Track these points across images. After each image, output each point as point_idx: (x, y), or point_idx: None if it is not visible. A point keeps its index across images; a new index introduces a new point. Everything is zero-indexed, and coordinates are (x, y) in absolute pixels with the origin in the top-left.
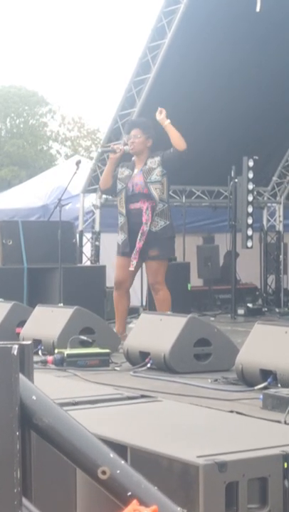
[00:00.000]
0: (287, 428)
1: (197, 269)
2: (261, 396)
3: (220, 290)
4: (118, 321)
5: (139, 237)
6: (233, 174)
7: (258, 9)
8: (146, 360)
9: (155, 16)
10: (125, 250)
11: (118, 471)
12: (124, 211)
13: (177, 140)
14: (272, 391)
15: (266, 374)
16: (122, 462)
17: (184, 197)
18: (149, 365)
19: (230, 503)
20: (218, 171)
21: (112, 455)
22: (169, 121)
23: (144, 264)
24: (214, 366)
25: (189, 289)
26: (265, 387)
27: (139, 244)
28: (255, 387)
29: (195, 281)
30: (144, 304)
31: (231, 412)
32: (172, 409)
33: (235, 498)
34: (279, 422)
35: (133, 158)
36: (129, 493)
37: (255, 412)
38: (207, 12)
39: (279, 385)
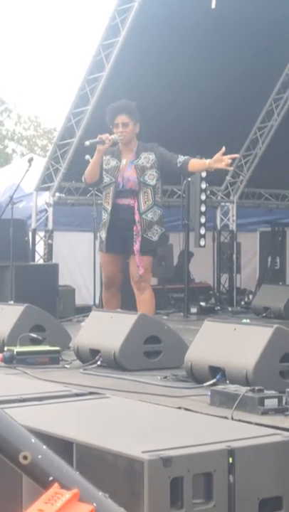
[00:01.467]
0: (233, 424)
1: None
2: (209, 392)
3: (174, 289)
4: None
5: (134, 238)
6: None
7: (213, 6)
8: (97, 358)
9: (109, 14)
10: (109, 247)
11: (40, 456)
12: (109, 207)
13: (198, 167)
14: (220, 387)
15: (215, 371)
16: (44, 447)
17: None
18: (99, 362)
19: (175, 498)
20: None
21: (33, 440)
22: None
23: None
24: (164, 363)
25: None
26: (214, 384)
27: (136, 246)
28: (204, 384)
29: None
30: (96, 302)
31: (179, 408)
32: (120, 405)
33: (180, 493)
34: (226, 417)
35: (118, 145)
36: (51, 478)
37: (203, 408)
38: (161, 10)
39: (227, 382)
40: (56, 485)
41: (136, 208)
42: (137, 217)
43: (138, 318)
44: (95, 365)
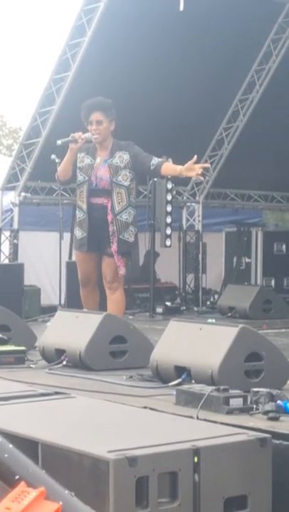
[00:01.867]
0: (199, 423)
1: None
2: (175, 392)
3: (140, 289)
4: None
5: (110, 239)
6: None
7: (181, 8)
8: (62, 358)
9: (75, 14)
10: (83, 247)
11: (6, 455)
12: (84, 206)
13: (171, 173)
14: (185, 387)
15: (180, 370)
16: (10, 446)
17: None
18: (64, 362)
19: (140, 498)
20: None
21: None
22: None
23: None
24: (130, 363)
25: None
26: (179, 384)
27: (113, 247)
28: (170, 384)
29: None
30: (62, 302)
31: (145, 408)
32: (85, 405)
33: (145, 493)
34: (191, 417)
35: (93, 142)
36: (17, 477)
37: (169, 407)
38: (128, 11)
39: (193, 381)
40: (23, 483)
41: (109, 208)
42: (110, 217)
43: (104, 318)
44: (60, 365)
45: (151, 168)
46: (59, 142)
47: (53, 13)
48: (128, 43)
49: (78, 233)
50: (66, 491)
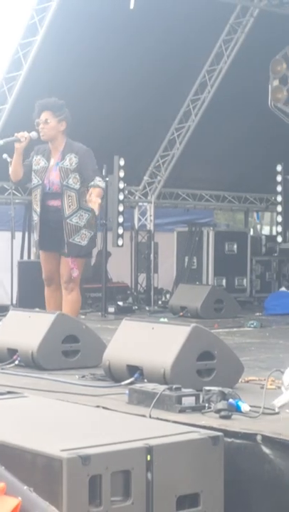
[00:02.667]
0: (151, 422)
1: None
2: (127, 391)
3: (91, 288)
4: None
5: (65, 240)
6: (104, 173)
7: (131, 7)
8: (14, 357)
9: (27, 13)
10: (44, 245)
11: None
12: (38, 209)
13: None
14: (137, 386)
15: (133, 370)
16: None
17: None
18: (17, 362)
19: (93, 496)
20: None
21: None
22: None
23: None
24: (82, 363)
25: None
26: (132, 383)
27: (65, 250)
28: (122, 383)
29: None
30: (14, 301)
31: (98, 407)
32: (38, 404)
33: (98, 491)
34: (144, 416)
35: (49, 144)
36: None
37: (121, 406)
38: (80, 10)
39: (145, 380)
40: None
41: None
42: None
43: (56, 318)
44: (12, 365)
45: (89, 189)
46: (1, 142)
47: (4, 12)
48: (80, 43)
49: (35, 236)
50: (25, 487)
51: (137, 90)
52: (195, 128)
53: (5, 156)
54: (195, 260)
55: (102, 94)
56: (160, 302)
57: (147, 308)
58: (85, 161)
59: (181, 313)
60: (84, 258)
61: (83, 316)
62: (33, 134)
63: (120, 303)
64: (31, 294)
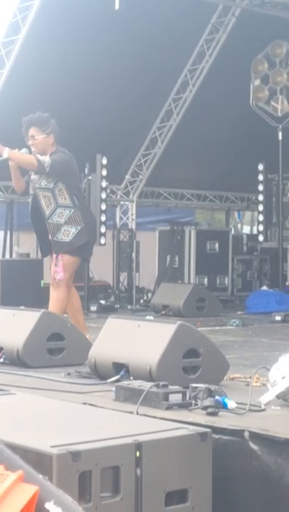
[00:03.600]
0: (139, 418)
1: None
2: (114, 388)
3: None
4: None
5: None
6: (86, 171)
7: (116, 7)
8: None
9: (10, 11)
10: (43, 253)
11: None
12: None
13: (27, 166)
14: (124, 383)
15: (119, 367)
16: None
17: None
18: (2, 359)
19: (83, 492)
20: None
21: None
22: (6, 152)
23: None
24: (68, 360)
25: (42, 285)
26: (118, 380)
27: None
28: (108, 380)
29: (48, 278)
30: None
31: (85, 404)
32: (26, 401)
33: (88, 487)
34: (131, 412)
35: None
36: None
37: (108, 404)
38: (64, 9)
39: (131, 378)
40: (2, 467)
41: None
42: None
43: (41, 316)
44: None
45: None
46: None
47: None
48: (64, 42)
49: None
50: (40, 475)
51: (119, 89)
52: (177, 127)
53: (24, 150)
54: (177, 259)
55: (84, 94)
56: (142, 301)
57: (129, 306)
58: (53, 158)
59: (164, 312)
60: (72, 255)
61: (66, 315)
62: (24, 150)
63: (102, 301)
64: (14, 293)
